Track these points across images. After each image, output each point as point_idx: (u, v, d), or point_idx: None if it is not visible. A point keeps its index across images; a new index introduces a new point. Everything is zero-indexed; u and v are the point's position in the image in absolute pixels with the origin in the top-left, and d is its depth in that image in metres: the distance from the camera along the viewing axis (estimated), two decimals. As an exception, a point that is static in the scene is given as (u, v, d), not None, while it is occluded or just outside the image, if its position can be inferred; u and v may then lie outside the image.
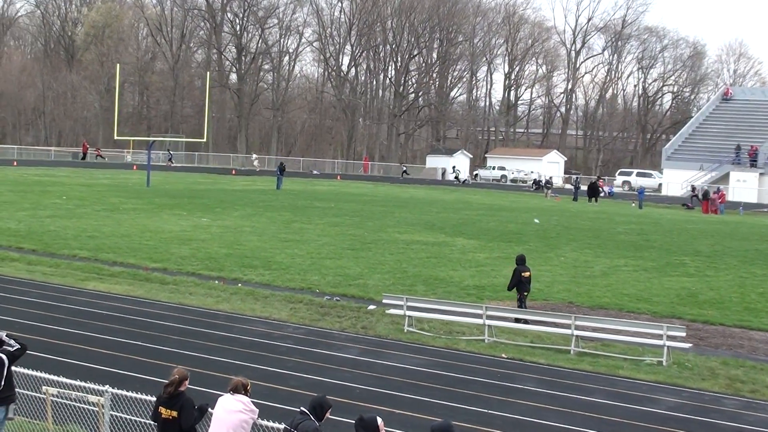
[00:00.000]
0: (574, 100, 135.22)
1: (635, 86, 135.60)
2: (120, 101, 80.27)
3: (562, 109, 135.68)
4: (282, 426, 10.89)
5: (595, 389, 18.31)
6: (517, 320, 22.99)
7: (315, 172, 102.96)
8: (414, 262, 33.81)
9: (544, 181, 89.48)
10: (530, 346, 21.74)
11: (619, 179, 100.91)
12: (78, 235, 36.82)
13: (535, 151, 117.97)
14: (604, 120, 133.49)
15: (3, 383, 11.99)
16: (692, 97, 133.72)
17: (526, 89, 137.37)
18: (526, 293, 24.22)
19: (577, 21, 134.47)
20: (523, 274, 23.95)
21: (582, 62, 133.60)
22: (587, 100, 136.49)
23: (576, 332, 21.29)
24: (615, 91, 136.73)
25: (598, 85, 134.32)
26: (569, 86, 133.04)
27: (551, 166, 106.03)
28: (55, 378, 12.81)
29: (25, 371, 12.74)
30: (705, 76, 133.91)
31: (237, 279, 28.74)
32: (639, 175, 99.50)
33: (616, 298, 28.36)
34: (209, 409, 11.40)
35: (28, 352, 14.26)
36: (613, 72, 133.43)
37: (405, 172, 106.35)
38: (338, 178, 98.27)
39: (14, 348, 12.18)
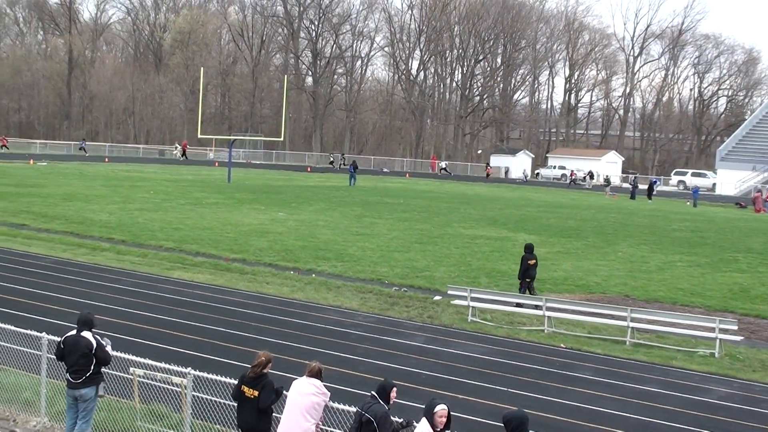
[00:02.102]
0: (631, 103, 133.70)
1: (691, 90, 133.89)
2: (203, 102, 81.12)
3: (620, 112, 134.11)
4: (354, 409, 10.94)
5: (650, 379, 18.12)
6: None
7: (385, 170, 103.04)
8: (478, 256, 33.73)
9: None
10: (588, 336, 21.59)
11: (674, 179, 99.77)
12: (164, 227, 37.27)
13: (594, 151, 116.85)
14: (660, 122, 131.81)
15: (92, 368, 12.19)
16: (746, 100, 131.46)
17: (586, 92, 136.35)
18: (528, 279, 24.66)
19: (635, 28, 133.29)
20: (529, 261, 24.53)
21: (640, 67, 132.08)
22: (644, 103, 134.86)
23: (632, 324, 21.15)
24: (671, 95, 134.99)
25: (655, 89, 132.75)
26: (627, 90, 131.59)
27: (610, 166, 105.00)
28: (142, 360, 12.96)
29: (115, 353, 12.91)
30: (759, 80, 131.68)
31: (311, 270, 28.86)
32: (694, 175, 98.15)
33: (670, 292, 28.05)
34: (284, 392, 11.49)
35: (118, 335, 14.38)
36: (669, 77, 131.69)
37: (444, 169, 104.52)
38: (407, 175, 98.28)
39: (105, 349, 12.33)
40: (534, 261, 24.68)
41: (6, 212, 39.45)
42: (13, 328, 14.66)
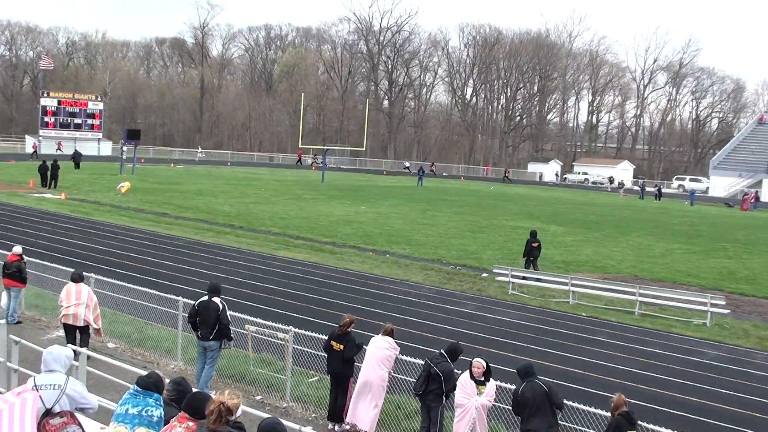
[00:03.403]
0: (641, 122, 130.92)
1: (690, 112, 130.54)
2: (304, 120, 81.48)
3: (632, 129, 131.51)
4: (420, 361, 10.95)
5: (654, 342, 17.86)
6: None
7: (444, 174, 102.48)
8: (517, 242, 33.39)
9: (615, 182, 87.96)
10: (604, 307, 21.33)
11: (675, 183, 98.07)
12: (272, 217, 37.61)
13: (610, 160, 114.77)
14: (664, 138, 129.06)
15: (218, 326, 12.31)
16: (734, 121, 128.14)
17: (605, 114, 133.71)
18: (532, 258, 24.69)
19: (645, 62, 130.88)
20: (532, 244, 24.59)
21: (649, 94, 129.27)
22: (652, 123, 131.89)
23: (640, 298, 20.91)
24: (673, 116, 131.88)
25: (660, 111, 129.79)
26: (638, 112, 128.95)
27: (623, 172, 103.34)
28: (254, 319, 13.13)
29: (234, 314, 13.09)
30: (744, 105, 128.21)
31: (386, 251, 28.93)
32: (691, 180, 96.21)
33: (671, 274, 27.60)
34: (364, 346, 11.54)
35: (236, 299, 14.44)
36: (672, 101, 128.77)
37: (407, 168, 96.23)
38: (461, 179, 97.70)
39: (227, 313, 12.40)
40: (537, 244, 24.70)
41: (152, 204, 40.17)
42: (156, 292, 14.96)
